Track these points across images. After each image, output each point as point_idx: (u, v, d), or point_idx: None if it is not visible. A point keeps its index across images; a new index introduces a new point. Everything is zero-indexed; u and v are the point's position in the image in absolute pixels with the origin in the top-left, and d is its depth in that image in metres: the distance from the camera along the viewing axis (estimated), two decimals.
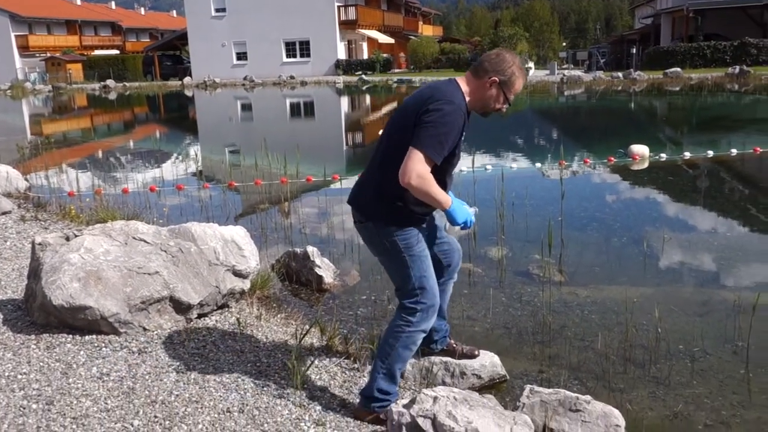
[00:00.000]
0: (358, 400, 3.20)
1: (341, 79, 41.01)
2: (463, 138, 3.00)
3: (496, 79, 2.97)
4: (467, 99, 2.99)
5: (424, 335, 3.15)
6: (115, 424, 2.95)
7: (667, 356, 3.93)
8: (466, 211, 2.99)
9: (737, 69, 30.21)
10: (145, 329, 3.92)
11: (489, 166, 10.54)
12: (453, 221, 2.97)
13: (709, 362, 3.85)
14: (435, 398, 2.64)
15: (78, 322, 3.82)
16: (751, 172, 10.10)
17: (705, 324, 4.36)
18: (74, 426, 2.92)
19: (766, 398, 3.45)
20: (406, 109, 3.00)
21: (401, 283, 3.12)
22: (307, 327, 4.07)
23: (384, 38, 49.61)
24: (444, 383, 3.53)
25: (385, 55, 46.46)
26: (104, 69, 48.82)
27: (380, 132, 3.24)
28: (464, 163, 10.63)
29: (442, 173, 2.98)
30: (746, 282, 5.13)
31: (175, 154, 14.27)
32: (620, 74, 32.91)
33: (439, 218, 3.26)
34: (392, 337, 3.11)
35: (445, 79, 3.06)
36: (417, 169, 2.78)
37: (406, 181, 2.79)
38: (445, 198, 2.92)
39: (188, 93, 38.05)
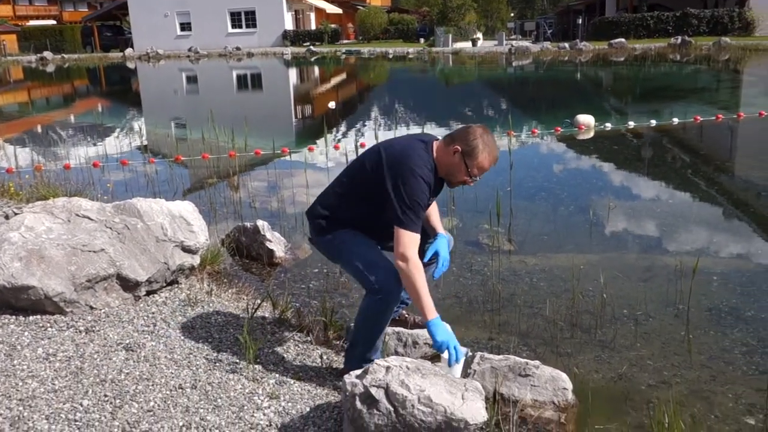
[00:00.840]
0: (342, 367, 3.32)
1: (289, 51, 40.43)
2: (431, 197, 3.13)
3: (459, 148, 3.02)
4: (437, 164, 3.08)
5: (396, 303, 3.17)
6: (64, 404, 2.90)
7: (612, 321, 4.04)
8: (447, 334, 2.95)
9: (679, 39, 30.87)
10: (92, 308, 3.85)
11: (439, 137, 10.55)
12: (432, 338, 2.95)
13: (652, 325, 3.98)
14: (387, 368, 2.66)
15: (21, 302, 3.72)
16: (692, 141, 10.37)
17: (648, 289, 4.49)
18: (21, 408, 2.86)
19: (705, 358, 3.59)
20: (376, 159, 3.07)
21: (356, 276, 3.20)
22: (259, 301, 4.05)
23: (332, 8, 49.06)
24: (396, 353, 3.56)
25: (333, 25, 46.00)
26: (41, 40, 47.09)
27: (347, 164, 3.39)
28: None
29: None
30: (687, 247, 5.30)
31: (118, 129, 13.92)
32: (567, 45, 33.29)
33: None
34: (364, 312, 3.17)
35: (417, 141, 3.12)
36: (408, 253, 2.92)
37: (398, 263, 2.94)
38: (429, 307, 2.94)
39: (130, 65, 37.04)
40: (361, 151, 8.79)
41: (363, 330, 3.20)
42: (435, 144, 3.13)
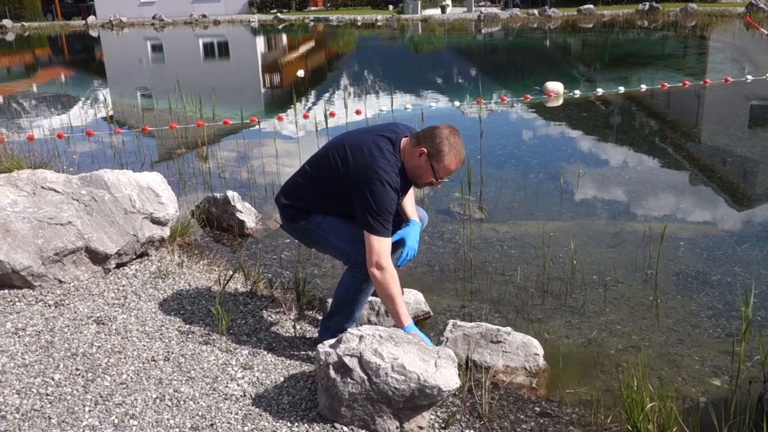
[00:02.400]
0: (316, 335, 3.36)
1: (256, 18, 39.77)
2: (401, 196, 3.10)
3: (425, 150, 2.94)
4: (404, 164, 3.01)
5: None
6: (35, 378, 2.87)
7: (582, 287, 4.10)
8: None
9: (647, 5, 30.97)
10: (60, 281, 3.79)
11: (409, 106, 10.53)
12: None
13: (620, 291, 4.05)
14: (360, 337, 2.67)
15: None
16: (660, 107, 10.47)
17: (617, 254, 4.56)
18: None
19: (673, 322, 3.66)
20: (342, 157, 3.00)
21: (338, 255, 3.25)
22: (231, 272, 4.03)
23: None
24: (370, 322, 3.58)
25: None
26: None
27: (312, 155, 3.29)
28: (384, 103, 10.59)
29: None
30: (655, 213, 5.38)
31: (83, 99, 13.63)
32: (536, 11, 33.20)
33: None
34: (346, 285, 3.18)
35: (384, 139, 3.02)
36: (381, 261, 2.91)
37: (371, 270, 2.94)
38: (404, 313, 3.00)
39: (93, 33, 36.14)
40: (331, 120, 8.73)
41: (344, 302, 3.21)
42: (403, 142, 3.04)
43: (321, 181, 3.12)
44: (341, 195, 3.03)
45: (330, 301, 3.67)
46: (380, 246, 2.92)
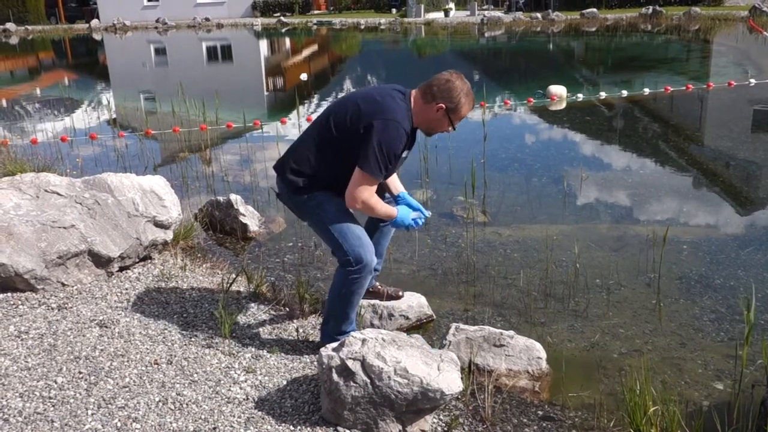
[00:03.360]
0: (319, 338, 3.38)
1: (259, 22, 39.83)
2: (405, 154, 3.12)
3: (443, 105, 3.01)
4: (414, 117, 3.05)
5: (369, 276, 3.16)
6: (38, 382, 2.87)
7: (584, 290, 4.09)
8: (408, 214, 3.17)
9: (650, 9, 30.94)
10: (63, 285, 3.80)
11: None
12: (397, 226, 3.20)
13: (623, 294, 4.04)
14: (363, 340, 2.68)
15: None
16: (663, 111, 10.45)
17: (620, 258, 4.55)
18: None
19: (675, 325, 3.66)
20: (353, 110, 3.02)
21: (328, 242, 3.19)
22: (234, 276, 4.03)
23: None
24: (372, 325, 3.58)
25: None
26: (3, 11, 45.66)
27: (318, 113, 3.30)
28: None
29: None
30: (658, 217, 5.37)
31: (86, 102, 13.66)
32: (539, 15, 33.19)
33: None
34: (337, 287, 3.15)
35: (394, 91, 3.08)
36: (362, 196, 2.97)
37: (353, 205, 3.01)
38: (390, 211, 3.12)
39: (96, 37, 36.24)
40: None
41: (337, 304, 3.19)
42: (413, 95, 3.09)
43: (333, 138, 3.07)
44: (350, 153, 3.00)
45: None
46: (368, 185, 2.96)
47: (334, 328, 3.23)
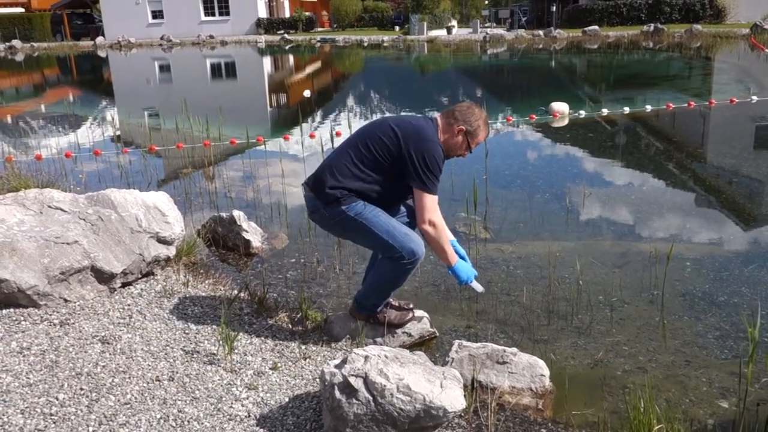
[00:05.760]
0: (350, 302, 3.65)
1: (263, 39, 40.12)
2: None
3: (464, 128, 3.36)
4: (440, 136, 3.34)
5: (416, 266, 3.37)
6: (39, 398, 2.86)
7: (588, 307, 4.08)
8: (469, 270, 3.42)
9: (652, 27, 31.13)
10: (66, 300, 3.80)
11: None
12: (457, 278, 3.41)
13: (627, 311, 4.03)
14: (366, 357, 2.67)
15: None
16: (665, 128, 10.47)
17: (623, 275, 4.54)
18: None
19: (679, 343, 3.64)
20: (391, 134, 3.25)
21: (376, 245, 3.37)
22: (236, 292, 4.03)
23: None
24: (375, 342, 3.57)
25: (307, 13, 45.69)
26: (9, 28, 46.09)
27: (348, 133, 3.47)
28: None
29: (404, 194, 3.38)
30: (661, 234, 5.36)
31: (90, 118, 13.72)
32: (541, 32, 33.39)
33: None
34: (386, 274, 3.38)
35: (424, 118, 3.39)
36: (434, 218, 3.25)
37: (427, 230, 3.25)
38: (452, 256, 3.35)
39: (101, 54, 36.49)
40: (337, 140, 8.77)
41: (381, 288, 3.46)
42: (438, 120, 3.38)
43: (373, 157, 3.26)
44: (391, 169, 3.25)
45: (332, 317, 3.67)
46: (432, 203, 3.24)
47: (374, 305, 3.53)
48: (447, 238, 3.34)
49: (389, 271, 3.37)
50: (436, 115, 3.44)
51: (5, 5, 56.64)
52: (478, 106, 3.45)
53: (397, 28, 42.90)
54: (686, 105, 11.31)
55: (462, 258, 3.46)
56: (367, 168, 3.27)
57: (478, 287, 3.50)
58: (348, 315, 3.68)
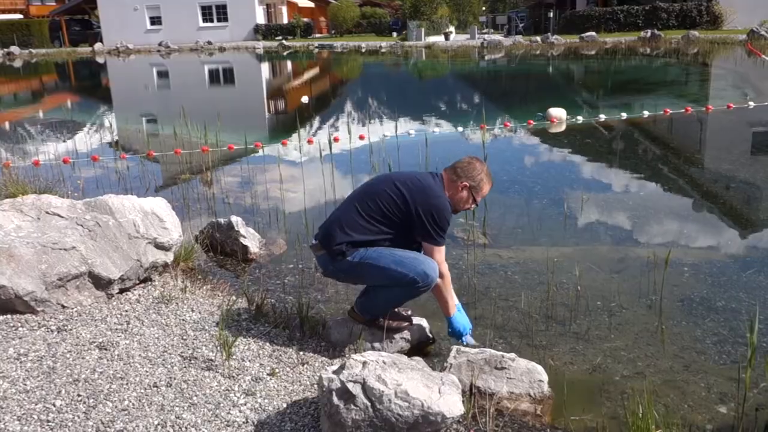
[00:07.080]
0: (354, 306, 3.69)
1: (261, 45, 40.17)
2: None
3: (467, 184, 3.50)
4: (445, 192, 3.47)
5: (430, 287, 3.43)
6: (36, 405, 2.85)
7: (586, 313, 4.08)
8: (466, 322, 3.57)
9: (649, 33, 31.22)
10: (63, 306, 3.79)
11: (412, 131, 10.58)
12: (452, 328, 3.55)
13: (625, 317, 4.02)
14: (364, 363, 2.66)
15: None
16: (662, 133, 10.49)
17: (621, 280, 4.54)
18: None
19: (678, 348, 3.64)
20: (398, 194, 3.36)
21: (388, 278, 3.37)
22: (234, 298, 4.02)
23: (304, 2, 48.83)
24: (373, 348, 3.56)
25: (305, 19, 45.76)
26: (7, 35, 46.04)
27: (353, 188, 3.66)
28: (388, 129, 10.64)
29: (413, 242, 3.46)
30: (659, 239, 5.36)
31: (88, 124, 13.72)
32: (538, 38, 33.49)
33: None
34: (397, 291, 3.44)
35: (428, 174, 3.51)
36: (442, 269, 3.41)
37: (442, 279, 3.41)
38: (453, 306, 3.53)
39: (100, 60, 36.51)
40: (335, 146, 8.78)
41: (390, 305, 3.56)
42: (443, 176, 3.52)
43: (383, 214, 3.38)
44: (399, 224, 3.38)
45: (330, 323, 3.67)
46: (441, 256, 3.40)
47: (375, 316, 3.60)
48: (451, 289, 3.51)
49: (401, 294, 3.45)
50: (443, 172, 3.56)
51: (4, 12, 56.67)
52: (479, 159, 3.57)
53: (395, 34, 43.00)
54: (683, 110, 11.34)
55: (459, 310, 3.59)
56: (375, 221, 3.38)
57: (470, 341, 3.57)
58: (346, 320, 3.68)
